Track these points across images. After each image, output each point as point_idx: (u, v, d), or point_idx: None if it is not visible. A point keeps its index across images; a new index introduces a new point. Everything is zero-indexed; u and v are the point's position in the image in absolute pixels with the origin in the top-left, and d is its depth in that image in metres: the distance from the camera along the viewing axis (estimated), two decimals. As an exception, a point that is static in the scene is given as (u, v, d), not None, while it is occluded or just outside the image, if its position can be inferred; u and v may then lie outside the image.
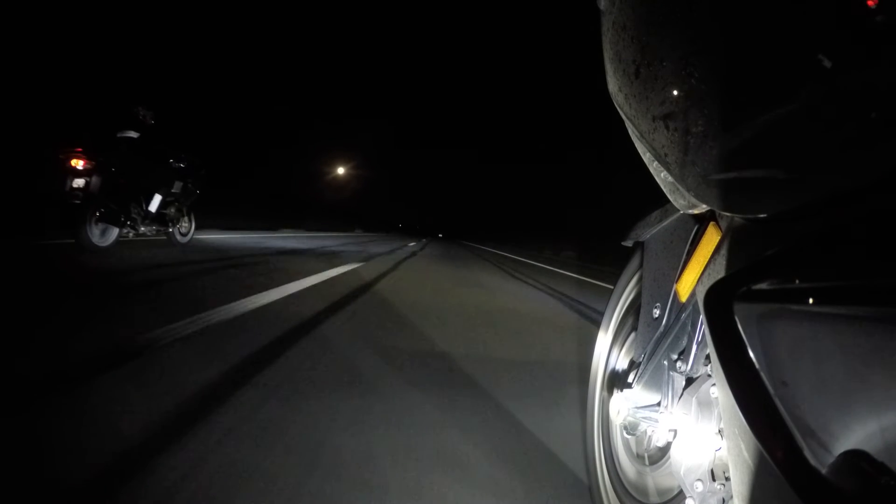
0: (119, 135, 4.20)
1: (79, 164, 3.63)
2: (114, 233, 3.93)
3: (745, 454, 0.37)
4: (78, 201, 3.59)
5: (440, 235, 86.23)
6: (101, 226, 3.79)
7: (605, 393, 0.94)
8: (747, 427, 0.31)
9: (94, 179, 3.68)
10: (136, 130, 4.27)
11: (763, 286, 0.34)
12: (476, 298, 4.07)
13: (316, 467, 1.00)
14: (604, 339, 0.99)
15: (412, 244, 16.34)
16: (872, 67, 0.28)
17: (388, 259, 7.36)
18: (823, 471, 0.27)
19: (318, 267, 4.67)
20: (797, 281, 0.32)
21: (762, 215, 0.40)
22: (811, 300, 0.30)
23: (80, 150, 3.68)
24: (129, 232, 4.22)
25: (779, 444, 0.29)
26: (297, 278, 3.65)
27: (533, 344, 2.52)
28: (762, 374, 0.32)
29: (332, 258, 6.12)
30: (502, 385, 1.71)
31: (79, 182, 3.61)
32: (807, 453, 0.28)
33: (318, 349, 1.87)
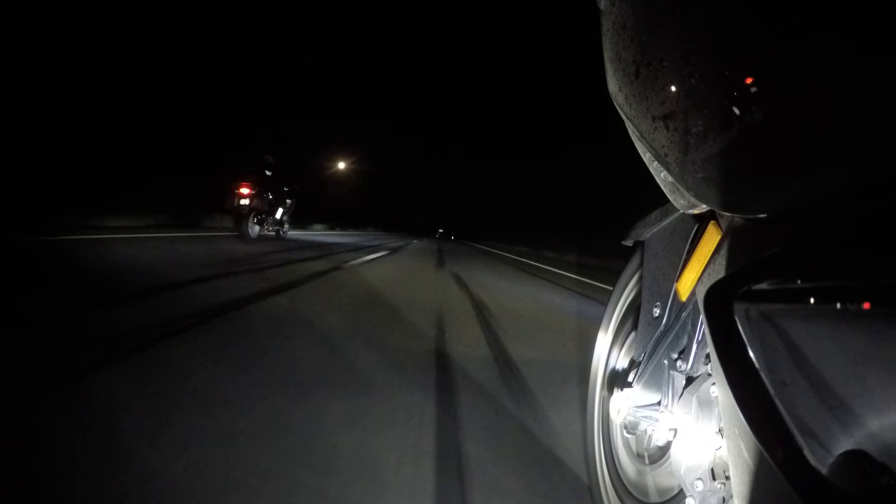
0: (265, 172, 7.22)
1: (246, 191, 6.59)
2: (256, 230, 6.86)
3: (745, 454, 0.37)
4: (244, 212, 6.57)
5: (440, 231, 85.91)
6: (252, 227, 6.71)
7: (606, 392, 0.94)
8: (747, 427, 0.31)
9: (255, 201, 6.65)
10: (268, 170, 7.29)
11: (763, 286, 0.34)
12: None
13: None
14: (604, 338, 0.99)
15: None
16: (872, 67, 0.28)
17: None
18: (823, 471, 0.27)
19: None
20: (797, 281, 0.32)
21: (762, 215, 0.40)
22: (811, 300, 0.30)
23: (248, 183, 6.67)
24: (264, 231, 7.21)
25: (779, 444, 0.29)
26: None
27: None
28: (762, 374, 0.32)
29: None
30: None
31: (245, 201, 6.57)
32: (807, 453, 0.28)
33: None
